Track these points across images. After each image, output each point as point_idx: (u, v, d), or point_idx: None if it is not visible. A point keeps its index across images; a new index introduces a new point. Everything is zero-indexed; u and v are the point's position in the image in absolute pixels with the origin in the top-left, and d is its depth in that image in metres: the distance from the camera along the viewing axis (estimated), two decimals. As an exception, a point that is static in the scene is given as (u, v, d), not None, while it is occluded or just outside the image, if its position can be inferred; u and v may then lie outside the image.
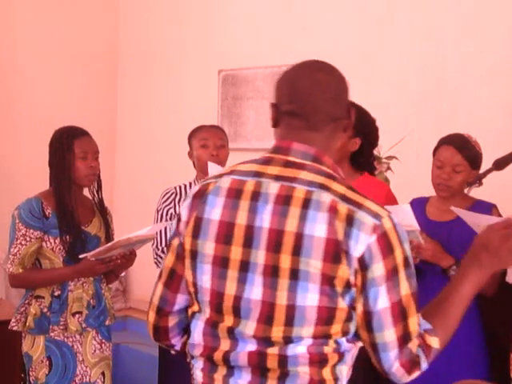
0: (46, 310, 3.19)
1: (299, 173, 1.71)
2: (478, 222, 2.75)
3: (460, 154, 2.95)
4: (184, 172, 4.02)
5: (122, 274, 3.47)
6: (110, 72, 6.19)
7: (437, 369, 2.94)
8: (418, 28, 4.50)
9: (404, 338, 1.68)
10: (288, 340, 1.67)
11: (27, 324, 3.19)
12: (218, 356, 1.72)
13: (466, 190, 3.01)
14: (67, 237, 3.19)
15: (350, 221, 1.64)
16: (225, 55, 5.45)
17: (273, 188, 1.70)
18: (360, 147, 3.21)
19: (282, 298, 1.65)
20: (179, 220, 1.80)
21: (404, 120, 4.44)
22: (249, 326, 1.69)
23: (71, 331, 3.19)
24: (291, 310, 1.65)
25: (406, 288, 1.68)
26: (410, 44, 4.53)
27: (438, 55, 4.42)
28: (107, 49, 6.16)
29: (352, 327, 1.69)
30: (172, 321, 1.86)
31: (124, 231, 3.11)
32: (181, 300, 1.83)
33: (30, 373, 3.22)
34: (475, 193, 3.03)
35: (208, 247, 1.72)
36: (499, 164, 2.92)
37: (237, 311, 1.70)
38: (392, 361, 1.69)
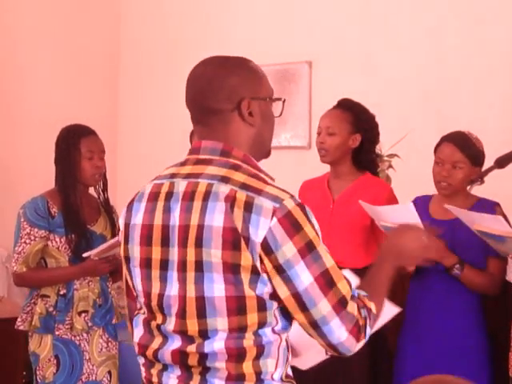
0: (51, 309, 3.19)
1: (206, 168, 1.74)
2: (472, 219, 2.78)
3: (460, 150, 2.96)
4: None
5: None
6: (112, 71, 6.19)
7: (438, 365, 2.98)
8: (418, 26, 4.52)
9: (340, 304, 1.68)
10: (204, 334, 1.69)
11: (33, 323, 3.18)
12: (149, 354, 1.78)
13: (467, 188, 3.03)
14: (73, 236, 3.19)
15: (248, 207, 1.65)
16: (225, 53, 5.43)
17: (182, 186, 1.74)
18: (361, 144, 3.22)
19: (191, 291, 1.69)
20: (118, 230, 1.88)
21: (405, 118, 4.46)
22: (171, 322, 1.73)
23: (77, 330, 3.18)
24: (201, 301, 1.68)
25: (329, 260, 1.69)
26: (411, 42, 4.55)
27: (439, 53, 4.44)
28: (108, 48, 6.16)
29: (270, 317, 1.69)
30: None
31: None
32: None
33: (37, 372, 3.20)
34: (477, 191, 3.04)
35: (135, 251, 1.78)
36: (501, 162, 2.93)
37: (162, 309, 1.75)
38: (337, 330, 1.68)
